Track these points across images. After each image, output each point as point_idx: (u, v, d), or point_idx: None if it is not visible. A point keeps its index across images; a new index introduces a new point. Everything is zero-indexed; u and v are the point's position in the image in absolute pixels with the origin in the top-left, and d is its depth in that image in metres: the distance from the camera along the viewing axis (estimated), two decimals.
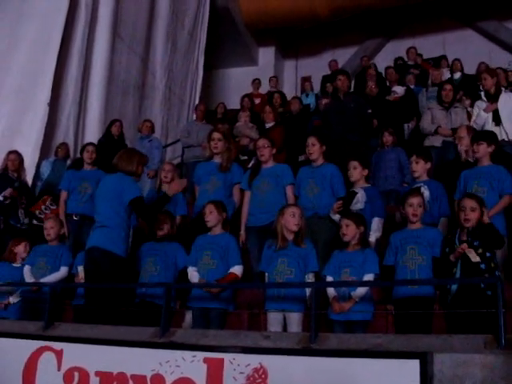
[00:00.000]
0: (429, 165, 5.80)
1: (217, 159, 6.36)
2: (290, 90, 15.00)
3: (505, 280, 4.22)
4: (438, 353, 3.42)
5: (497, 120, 6.92)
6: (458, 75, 11.30)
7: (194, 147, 9.10)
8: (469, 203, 4.65)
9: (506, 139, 6.87)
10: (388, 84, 10.62)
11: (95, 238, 5.13)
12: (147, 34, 11.72)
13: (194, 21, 13.39)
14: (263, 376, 3.74)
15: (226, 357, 3.86)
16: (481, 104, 7.18)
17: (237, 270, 5.20)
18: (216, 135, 6.40)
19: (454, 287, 4.41)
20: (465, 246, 4.48)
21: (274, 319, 4.85)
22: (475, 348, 3.44)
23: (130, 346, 4.24)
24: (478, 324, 3.72)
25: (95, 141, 8.62)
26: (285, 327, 4.84)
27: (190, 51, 13.30)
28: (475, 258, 4.43)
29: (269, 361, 3.76)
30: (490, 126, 6.83)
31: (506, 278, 4.24)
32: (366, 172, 5.92)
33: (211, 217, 5.44)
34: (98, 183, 5.58)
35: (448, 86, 8.04)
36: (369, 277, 4.68)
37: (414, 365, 3.39)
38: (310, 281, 4.93)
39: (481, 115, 7.04)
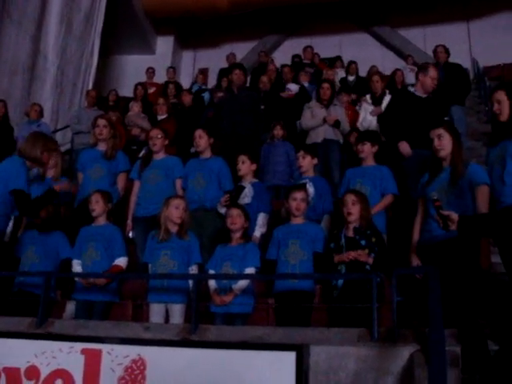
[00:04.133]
0: (315, 161, 5.94)
1: (101, 146, 6.24)
2: (187, 80, 14.91)
3: (384, 277, 4.39)
4: (315, 345, 3.54)
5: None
6: (352, 77, 11.62)
7: (84, 134, 8.82)
8: (350, 197, 4.79)
9: None
10: (283, 82, 10.74)
11: None
12: (39, 13, 11.23)
13: (91, 3, 12.95)
14: (142, 367, 3.73)
15: (104, 348, 3.82)
16: (367, 107, 7.45)
17: (121, 261, 5.15)
18: (101, 122, 6.29)
19: (341, 282, 4.51)
20: (350, 254, 4.56)
21: (156, 311, 4.82)
22: (350, 341, 3.59)
23: (4, 336, 4.08)
24: (363, 318, 3.85)
25: None
26: (167, 319, 4.82)
27: (85, 34, 12.83)
28: (340, 266, 4.58)
29: (148, 352, 3.76)
30: (375, 128, 7.10)
31: (386, 274, 4.41)
32: (254, 166, 5.98)
33: (97, 206, 5.33)
34: None
35: (326, 85, 8.08)
36: (249, 270, 4.73)
37: (290, 357, 3.49)
38: (192, 273, 4.93)
39: (367, 118, 7.31)
